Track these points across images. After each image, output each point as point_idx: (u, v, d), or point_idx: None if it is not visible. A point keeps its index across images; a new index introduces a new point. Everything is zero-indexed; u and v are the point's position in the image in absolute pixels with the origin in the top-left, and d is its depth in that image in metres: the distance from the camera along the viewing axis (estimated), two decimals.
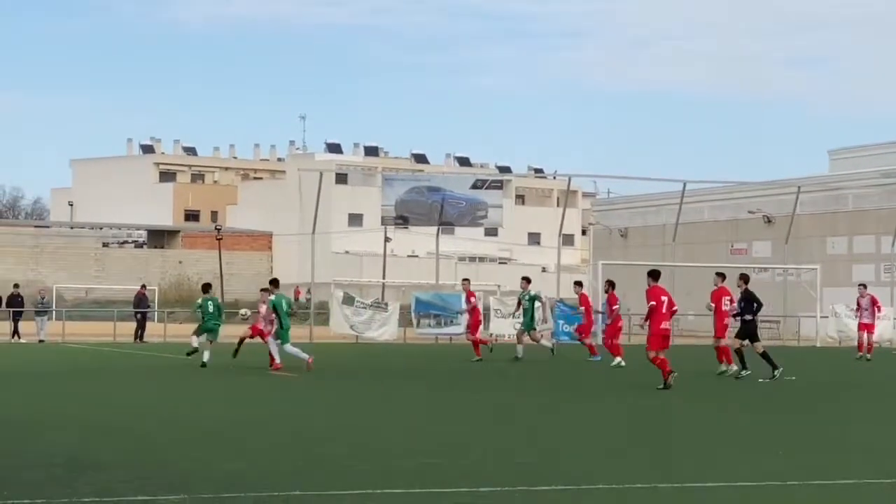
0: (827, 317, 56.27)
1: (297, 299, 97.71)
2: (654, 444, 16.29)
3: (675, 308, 26.16)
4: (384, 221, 68.54)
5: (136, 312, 53.34)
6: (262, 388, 25.67)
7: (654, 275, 26.34)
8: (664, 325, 25.75)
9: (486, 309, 53.15)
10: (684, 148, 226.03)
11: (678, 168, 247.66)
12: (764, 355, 29.70)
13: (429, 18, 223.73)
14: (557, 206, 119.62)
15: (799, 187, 65.24)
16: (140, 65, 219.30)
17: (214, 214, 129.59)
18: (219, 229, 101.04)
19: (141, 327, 51.67)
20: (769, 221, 72.78)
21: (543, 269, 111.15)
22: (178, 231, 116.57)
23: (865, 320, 41.29)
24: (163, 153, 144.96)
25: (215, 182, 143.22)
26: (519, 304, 38.09)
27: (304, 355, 30.22)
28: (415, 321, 53.13)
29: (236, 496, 11.63)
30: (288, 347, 30.38)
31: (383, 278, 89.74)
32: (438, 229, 63.40)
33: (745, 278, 30.30)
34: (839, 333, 54.81)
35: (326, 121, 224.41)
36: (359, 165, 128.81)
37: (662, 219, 75.41)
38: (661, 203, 77.64)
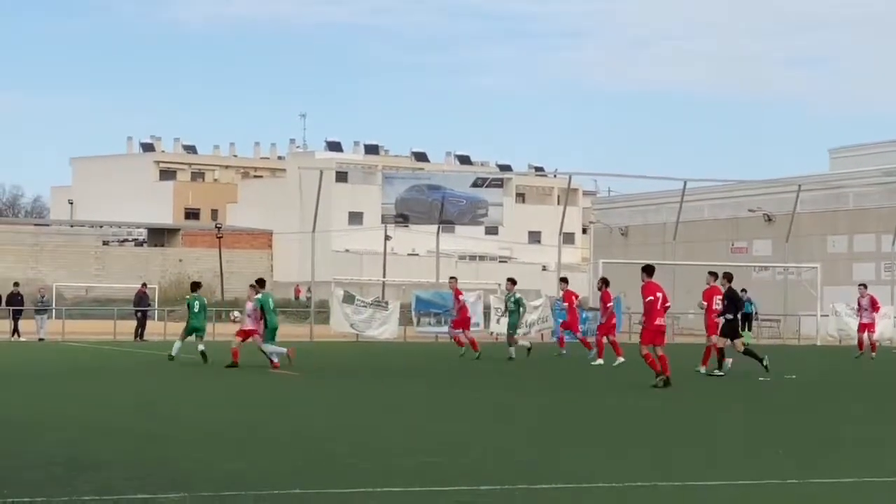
0: (827, 315, 56.24)
1: (297, 298, 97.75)
2: (654, 442, 16.28)
3: (668, 304, 26.21)
4: (384, 220, 68.54)
5: (137, 311, 53.34)
6: (262, 387, 25.66)
7: (648, 270, 26.38)
8: (659, 320, 25.82)
9: (487, 308, 53.18)
10: (685, 146, 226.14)
11: (679, 166, 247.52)
12: (747, 352, 29.65)
13: (428, 18, 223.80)
14: (558, 204, 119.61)
15: (799, 186, 65.20)
16: (140, 63, 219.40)
17: (214, 213, 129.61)
18: (219, 227, 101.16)
19: (141, 326, 51.67)
20: (769, 220, 72.75)
21: (544, 268, 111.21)
22: (179, 229, 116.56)
23: (865, 320, 41.60)
24: (163, 151, 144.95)
25: (215, 180, 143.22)
26: (506, 305, 38.19)
27: (283, 349, 30.34)
28: (415, 320, 53.13)
29: (236, 494, 11.62)
30: (268, 346, 30.52)
31: (383, 277, 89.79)
32: (439, 228, 63.39)
33: (728, 277, 30.18)
34: (839, 332, 54.79)
35: (327, 119, 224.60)
36: (359, 164, 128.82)
37: (663, 217, 75.38)
38: (662, 201, 77.60)
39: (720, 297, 30.76)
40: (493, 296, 55.38)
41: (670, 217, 67.62)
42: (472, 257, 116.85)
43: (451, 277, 41.02)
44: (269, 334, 30.75)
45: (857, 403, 23.60)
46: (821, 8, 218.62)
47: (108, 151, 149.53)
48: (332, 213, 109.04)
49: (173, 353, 33.04)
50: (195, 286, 34.92)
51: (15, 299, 52.28)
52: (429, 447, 15.51)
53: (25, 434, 16.50)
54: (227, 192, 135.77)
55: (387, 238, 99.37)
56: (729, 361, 30.14)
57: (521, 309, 37.55)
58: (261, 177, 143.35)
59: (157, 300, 75.52)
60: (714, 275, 31.47)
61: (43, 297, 54.72)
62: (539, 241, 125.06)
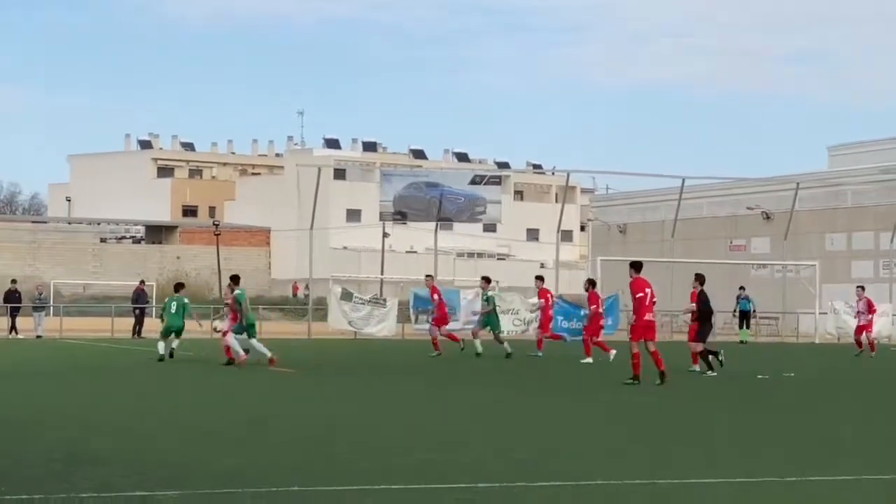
0: (826, 313, 56.24)
1: (294, 295, 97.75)
2: (653, 440, 16.27)
3: (654, 299, 26.21)
4: (382, 217, 68.48)
5: (135, 308, 53.33)
6: (259, 385, 25.62)
7: (636, 266, 26.35)
8: (648, 316, 25.80)
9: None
10: (683, 144, 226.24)
11: (677, 164, 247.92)
12: (702, 353, 29.49)
13: (427, 13, 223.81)
14: (556, 201, 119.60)
15: (798, 183, 65.23)
16: (138, 61, 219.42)
17: (212, 210, 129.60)
18: (217, 225, 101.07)
19: (139, 323, 51.66)
20: (768, 218, 72.75)
21: (542, 265, 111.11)
22: (176, 226, 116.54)
23: (862, 322, 41.96)
24: (161, 148, 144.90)
25: (213, 177, 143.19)
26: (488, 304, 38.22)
27: (243, 354, 30.37)
28: (413, 317, 53.05)
29: (234, 492, 11.60)
30: (229, 338, 30.70)
31: (381, 274, 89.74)
32: (437, 225, 63.35)
33: (700, 279, 30.04)
34: (838, 330, 54.79)
35: (324, 116, 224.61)
36: (357, 161, 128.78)
37: (661, 215, 75.38)
38: (660, 199, 77.58)
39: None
40: (490, 293, 55.22)
41: (669, 215, 67.63)
42: (471, 255, 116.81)
43: (427, 275, 41.10)
44: (250, 330, 30.85)
45: (855, 401, 23.59)
46: (820, 5, 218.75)
47: (106, 149, 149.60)
48: (330, 210, 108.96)
49: (161, 352, 33.11)
50: (178, 287, 35.07)
51: (12, 296, 52.26)
52: (428, 445, 15.49)
53: (23, 431, 16.47)
54: (225, 190, 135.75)
55: (385, 235, 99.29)
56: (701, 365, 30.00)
57: (494, 307, 37.63)
58: (259, 174, 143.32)
59: (154, 297, 75.41)
60: (700, 277, 31.46)
61: (41, 295, 54.70)
62: (537, 239, 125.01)
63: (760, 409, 21.16)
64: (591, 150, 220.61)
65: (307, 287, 71.11)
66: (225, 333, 31.74)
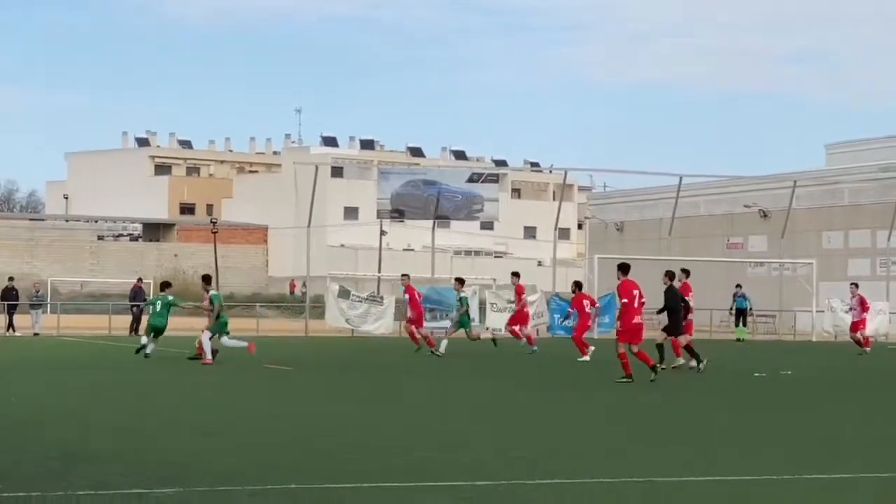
0: (823, 311, 56.27)
1: (292, 293, 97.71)
2: (651, 439, 16.28)
3: (643, 300, 26.20)
4: (380, 215, 68.46)
5: (132, 306, 53.29)
6: (256, 382, 25.63)
7: (623, 268, 26.34)
8: (637, 318, 25.77)
9: (483, 303, 53.15)
10: (681, 142, 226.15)
11: (674, 162, 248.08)
12: (659, 347, 29.34)
13: (425, 12, 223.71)
14: (553, 199, 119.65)
15: (795, 181, 65.25)
16: (136, 58, 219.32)
17: (210, 208, 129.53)
18: (214, 222, 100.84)
19: (137, 320, 51.60)
20: (765, 216, 72.77)
21: (539, 263, 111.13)
22: (174, 224, 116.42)
23: (855, 318, 42.13)
24: (158, 146, 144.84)
25: (211, 175, 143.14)
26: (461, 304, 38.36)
27: (210, 356, 30.44)
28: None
29: (231, 489, 11.60)
30: (225, 340, 30.88)
31: (379, 272, 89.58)
32: (434, 223, 63.36)
33: (670, 275, 29.98)
34: (835, 328, 54.82)
35: (322, 114, 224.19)
36: (354, 159, 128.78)
37: (659, 213, 75.38)
38: (658, 197, 77.57)
39: (691, 293, 30.79)
40: (488, 291, 55.37)
41: (666, 213, 67.65)
42: (468, 252, 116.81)
43: (403, 275, 41.31)
44: (222, 328, 31.13)
45: (852, 399, 23.61)
46: (818, 5, 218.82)
47: (104, 146, 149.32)
48: (327, 208, 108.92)
49: (143, 342, 33.27)
50: (163, 286, 35.22)
51: (10, 294, 52.20)
52: (426, 443, 15.50)
53: (21, 429, 16.46)
54: (223, 187, 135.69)
55: (382, 233, 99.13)
56: (679, 360, 30.00)
57: (465, 308, 37.79)
58: (256, 172, 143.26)
59: (152, 295, 75.39)
60: (686, 272, 31.48)
61: (38, 292, 54.65)
62: (534, 237, 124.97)
63: (757, 408, 21.17)
64: (588, 148, 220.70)
65: (304, 285, 71.12)
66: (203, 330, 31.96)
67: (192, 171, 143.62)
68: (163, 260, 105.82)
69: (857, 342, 41.88)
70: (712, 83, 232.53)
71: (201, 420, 17.98)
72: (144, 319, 52.12)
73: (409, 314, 38.76)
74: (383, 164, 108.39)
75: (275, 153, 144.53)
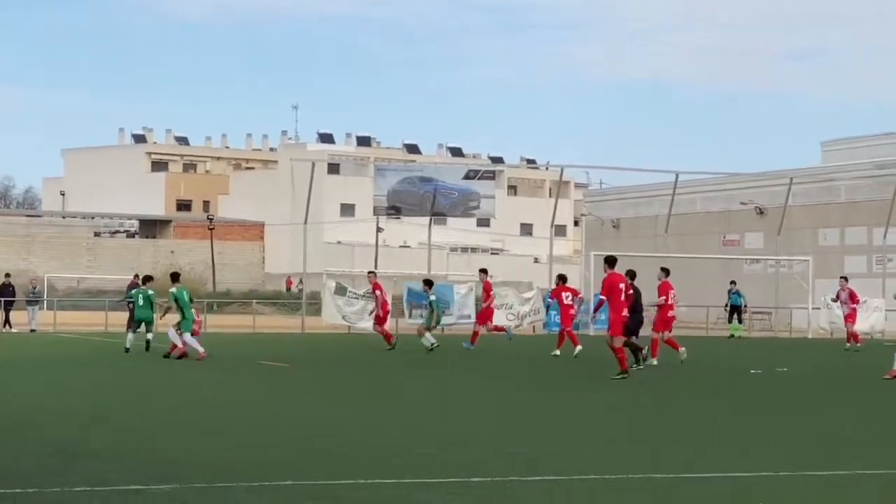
0: (819, 308, 56.27)
1: (288, 289, 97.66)
2: (648, 435, 16.29)
3: (630, 292, 26.15)
4: (376, 212, 68.43)
5: (129, 302, 53.19)
6: (254, 380, 25.63)
7: (610, 262, 26.34)
8: (624, 312, 25.81)
9: (478, 300, 53.13)
10: (677, 139, 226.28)
11: (671, 159, 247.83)
12: (630, 344, 29.28)
13: (423, 9, 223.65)
14: (550, 196, 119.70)
15: (791, 179, 65.28)
16: (132, 55, 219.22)
17: (206, 204, 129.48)
18: (211, 219, 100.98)
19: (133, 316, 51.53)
20: (761, 213, 72.80)
21: (535, 260, 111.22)
22: (170, 221, 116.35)
23: (846, 311, 42.30)
24: (155, 143, 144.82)
25: (207, 172, 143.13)
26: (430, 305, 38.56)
27: (201, 349, 30.58)
28: (406, 312, 53.01)
29: (227, 486, 11.61)
30: (187, 337, 30.89)
31: (375, 268, 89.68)
32: (430, 220, 63.35)
33: (631, 275, 29.96)
34: (831, 325, 54.79)
35: (319, 111, 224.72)
36: (351, 155, 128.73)
37: (655, 210, 75.41)
38: (654, 194, 77.63)
39: (673, 291, 30.80)
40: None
41: (662, 210, 67.67)
42: (464, 249, 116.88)
43: (370, 272, 41.60)
44: (187, 325, 31.26)
45: (848, 396, 23.64)
46: (815, 3, 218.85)
47: (100, 143, 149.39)
48: (323, 204, 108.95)
49: (127, 344, 33.43)
50: (145, 280, 35.39)
51: (6, 290, 52.16)
52: (422, 440, 15.51)
53: (18, 426, 16.47)
54: (219, 184, 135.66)
55: (378, 230, 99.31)
56: (655, 360, 30.05)
57: (434, 309, 37.93)
58: (253, 168, 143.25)
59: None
60: (666, 270, 31.51)
61: (34, 289, 54.61)
62: (531, 234, 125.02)
63: (754, 405, 21.18)
64: (584, 145, 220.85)
65: (301, 281, 71.12)
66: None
67: (189, 167, 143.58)
68: (159, 256, 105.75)
69: (849, 336, 42.15)
70: (709, 81, 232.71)
71: (198, 417, 17.99)
72: None
73: (376, 310, 38.90)
74: (380, 160, 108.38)
75: (271, 150, 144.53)
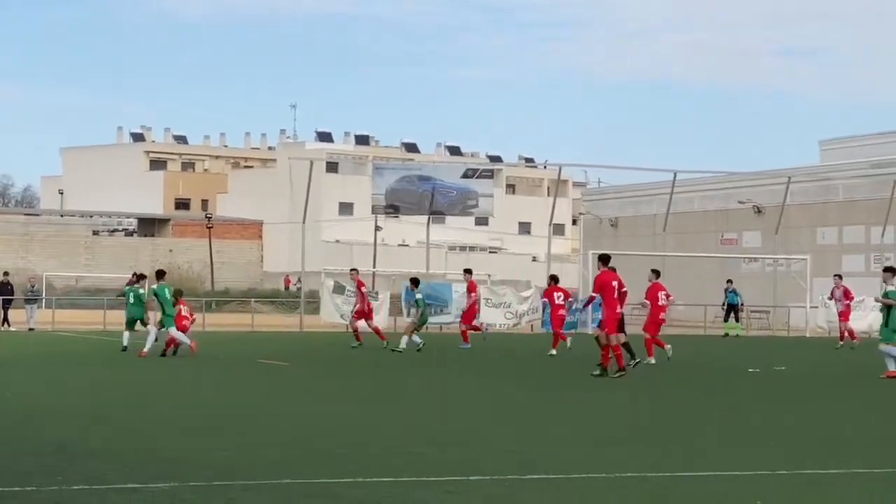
0: (816, 307, 56.31)
1: (287, 288, 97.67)
2: (645, 434, 16.30)
3: (624, 289, 26.21)
4: (375, 210, 68.53)
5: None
6: (254, 379, 25.64)
7: (604, 259, 26.40)
8: (619, 308, 25.88)
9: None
10: (675, 138, 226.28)
11: (669, 158, 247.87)
12: (617, 345, 29.26)
13: (421, 7, 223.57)
14: (548, 195, 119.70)
15: (789, 177, 65.29)
16: (131, 53, 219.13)
17: (205, 203, 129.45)
18: (209, 218, 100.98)
19: None
20: (759, 211, 72.79)
21: (534, 259, 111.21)
22: (169, 219, 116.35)
23: (840, 309, 42.42)
24: (153, 141, 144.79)
25: (206, 170, 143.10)
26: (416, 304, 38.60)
27: (187, 340, 30.92)
28: (405, 310, 53.06)
29: (225, 484, 11.63)
30: (172, 331, 31.19)
31: (373, 267, 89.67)
32: (429, 218, 63.39)
33: (656, 272, 29.96)
34: (829, 324, 54.82)
35: (317, 109, 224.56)
36: (349, 154, 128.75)
37: (653, 209, 75.39)
38: (652, 193, 77.60)
39: (664, 292, 30.87)
40: (482, 287, 55.38)
41: (660, 208, 67.68)
42: (463, 248, 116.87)
43: (352, 269, 41.68)
44: (169, 320, 31.42)
45: (846, 395, 23.65)
46: (814, 2, 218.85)
47: (99, 141, 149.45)
48: (322, 203, 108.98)
49: (125, 343, 33.48)
50: (139, 278, 35.53)
51: (5, 289, 52.20)
52: (419, 438, 15.53)
53: (16, 424, 16.49)
54: (218, 183, 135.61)
55: (377, 229, 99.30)
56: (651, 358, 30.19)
57: (420, 308, 37.93)
58: (251, 167, 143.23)
59: (147, 290, 75.31)
60: (656, 272, 31.58)
61: (33, 287, 54.65)
62: (529, 232, 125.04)
63: (751, 403, 21.20)
64: (583, 144, 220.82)
65: (299, 280, 71.15)
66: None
67: (188, 166, 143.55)
68: (158, 255, 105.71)
69: (842, 334, 42.28)
70: (707, 79, 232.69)
71: (197, 415, 18.00)
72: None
73: (357, 307, 38.98)
74: (378, 159, 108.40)
75: (270, 148, 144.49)
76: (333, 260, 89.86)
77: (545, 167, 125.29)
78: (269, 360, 30.13)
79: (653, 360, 30.13)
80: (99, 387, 22.95)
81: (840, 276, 43.90)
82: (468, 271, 41.31)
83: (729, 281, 57.38)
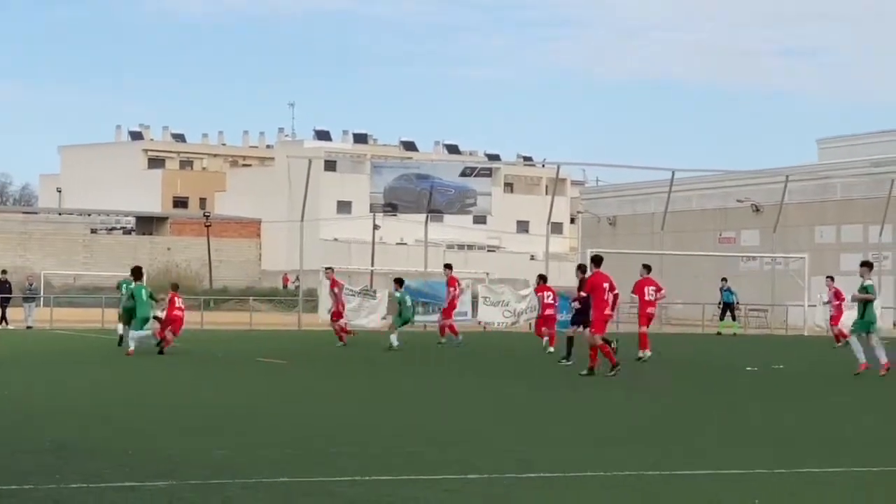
0: (815, 305, 56.33)
1: (285, 286, 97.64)
2: (643, 432, 16.31)
3: (616, 291, 26.23)
4: (373, 209, 68.50)
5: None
6: (249, 376, 25.65)
7: (596, 261, 26.49)
8: (607, 310, 25.91)
9: (475, 297, 53.23)
10: (673, 137, 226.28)
11: (667, 156, 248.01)
12: (570, 339, 29.26)
13: (419, 6, 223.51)
14: (546, 194, 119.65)
15: (787, 176, 65.30)
16: (129, 52, 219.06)
17: (203, 201, 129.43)
18: (207, 216, 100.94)
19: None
20: (757, 210, 72.82)
21: (532, 257, 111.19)
22: (167, 218, 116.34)
23: (832, 311, 42.52)
24: (151, 140, 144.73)
25: (204, 169, 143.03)
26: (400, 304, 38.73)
27: (153, 340, 31.23)
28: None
29: (224, 482, 11.63)
30: (134, 332, 31.37)
31: (372, 266, 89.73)
32: (427, 217, 63.38)
33: (582, 269, 29.86)
34: (826, 322, 54.87)
35: (315, 108, 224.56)
36: (348, 153, 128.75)
37: (651, 207, 75.40)
38: (650, 191, 77.63)
39: (653, 287, 31.02)
40: (480, 285, 55.44)
41: (658, 207, 67.67)
42: (461, 246, 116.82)
43: (327, 268, 41.75)
44: (139, 322, 31.32)
45: (843, 394, 23.66)
46: (813, 1, 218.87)
47: (97, 139, 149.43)
48: (320, 201, 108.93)
49: (120, 332, 33.77)
50: (133, 272, 35.52)
51: (3, 287, 52.19)
52: (418, 437, 15.54)
53: (14, 422, 16.48)
54: (216, 181, 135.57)
55: (375, 227, 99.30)
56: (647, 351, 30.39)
57: (401, 307, 38.00)
58: (249, 165, 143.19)
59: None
60: (647, 267, 31.70)
61: (31, 285, 54.64)
62: (527, 231, 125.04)
63: (749, 402, 21.21)
64: (581, 142, 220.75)
65: (297, 278, 71.12)
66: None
67: (186, 164, 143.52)
68: (156, 253, 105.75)
69: (836, 336, 42.28)
70: (705, 78, 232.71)
71: (195, 413, 18.01)
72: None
73: (332, 307, 39.08)
74: (376, 157, 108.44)
75: (268, 147, 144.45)
76: (332, 258, 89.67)
77: (543, 166, 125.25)
78: (268, 358, 30.14)
79: (649, 353, 30.31)
80: (97, 385, 22.95)
81: (832, 278, 43.94)
82: (448, 266, 41.52)
83: (724, 279, 57.42)
